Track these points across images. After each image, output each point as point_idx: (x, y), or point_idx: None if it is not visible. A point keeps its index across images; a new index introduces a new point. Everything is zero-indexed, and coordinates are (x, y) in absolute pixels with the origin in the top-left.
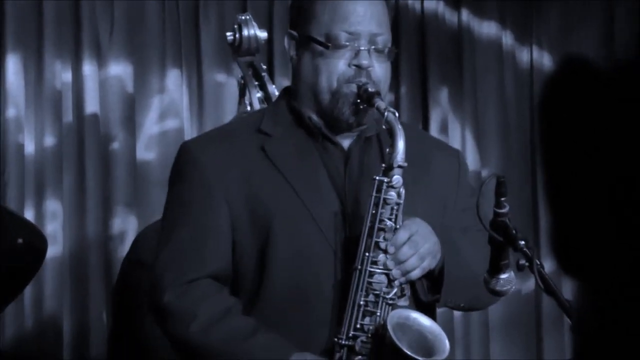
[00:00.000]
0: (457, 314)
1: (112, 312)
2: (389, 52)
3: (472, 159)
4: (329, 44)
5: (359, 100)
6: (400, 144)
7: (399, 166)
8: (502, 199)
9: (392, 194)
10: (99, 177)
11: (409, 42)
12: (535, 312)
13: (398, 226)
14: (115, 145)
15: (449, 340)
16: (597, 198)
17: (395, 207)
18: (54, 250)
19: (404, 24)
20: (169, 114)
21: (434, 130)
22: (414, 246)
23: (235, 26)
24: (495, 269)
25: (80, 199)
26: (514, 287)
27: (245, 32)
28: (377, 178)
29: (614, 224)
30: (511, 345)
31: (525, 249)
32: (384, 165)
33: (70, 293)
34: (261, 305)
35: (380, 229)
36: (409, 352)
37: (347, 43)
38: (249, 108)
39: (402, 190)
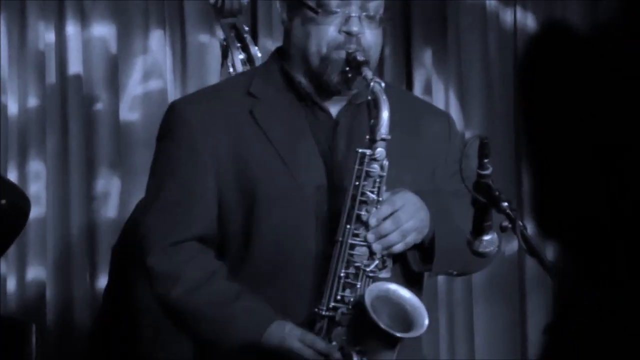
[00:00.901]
0: (440, 276)
1: (110, 270)
2: (381, 18)
3: (456, 120)
4: (320, 10)
5: (347, 68)
6: (385, 116)
7: (382, 139)
8: (485, 160)
9: (375, 166)
10: (82, 138)
11: (394, 3)
12: (518, 273)
13: (381, 199)
14: (99, 106)
15: (432, 302)
16: (578, 161)
17: (377, 180)
18: (37, 211)
19: None
20: (152, 74)
21: (417, 91)
22: (397, 222)
23: None
24: (478, 230)
25: (63, 160)
26: (497, 249)
27: None
28: (360, 151)
29: (595, 186)
30: (494, 306)
31: (508, 211)
32: (367, 137)
33: (54, 254)
34: (245, 270)
35: (362, 202)
36: (386, 328)
37: (338, 9)
38: (231, 70)
39: (386, 163)
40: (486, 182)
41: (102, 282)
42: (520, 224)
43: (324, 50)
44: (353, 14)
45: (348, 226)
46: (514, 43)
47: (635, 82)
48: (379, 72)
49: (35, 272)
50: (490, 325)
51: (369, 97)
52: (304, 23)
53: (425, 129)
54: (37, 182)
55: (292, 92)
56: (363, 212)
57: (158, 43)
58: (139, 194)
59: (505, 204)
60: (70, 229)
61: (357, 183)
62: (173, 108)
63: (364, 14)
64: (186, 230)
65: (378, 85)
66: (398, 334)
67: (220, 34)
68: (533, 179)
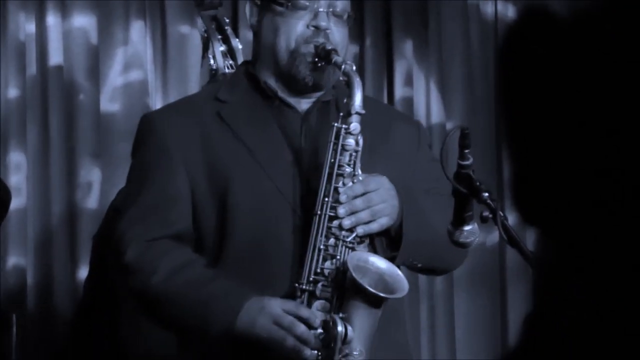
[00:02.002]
0: None
1: (90, 260)
2: (348, 18)
3: (436, 111)
4: (289, 4)
5: (316, 59)
6: (358, 93)
7: (357, 113)
8: (466, 150)
9: (350, 140)
10: (63, 128)
11: None
12: (499, 264)
13: (357, 172)
14: (79, 96)
15: (414, 293)
16: (559, 146)
17: (353, 154)
18: (17, 202)
19: None
20: (133, 65)
21: (398, 83)
22: (368, 201)
23: None
24: (458, 220)
25: (44, 151)
26: (477, 239)
27: None
28: (336, 125)
29: (575, 172)
30: (475, 297)
31: (488, 201)
32: (341, 113)
33: (34, 245)
34: (223, 264)
35: (339, 175)
36: (370, 288)
37: (307, 3)
38: (212, 62)
39: (360, 138)
40: (467, 173)
41: (83, 272)
42: (501, 214)
43: (293, 44)
44: (321, 9)
45: (326, 199)
46: (494, 34)
47: (616, 66)
48: (360, 63)
49: (16, 262)
50: (471, 316)
51: (342, 79)
52: (273, 19)
53: (395, 134)
54: (17, 173)
55: (257, 92)
56: (340, 185)
57: (139, 34)
58: (119, 184)
59: (486, 194)
60: (51, 220)
61: (332, 158)
62: (144, 119)
63: (332, 10)
64: (162, 229)
65: (349, 66)
66: (382, 294)
67: (201, 25)
68: (513, 164)
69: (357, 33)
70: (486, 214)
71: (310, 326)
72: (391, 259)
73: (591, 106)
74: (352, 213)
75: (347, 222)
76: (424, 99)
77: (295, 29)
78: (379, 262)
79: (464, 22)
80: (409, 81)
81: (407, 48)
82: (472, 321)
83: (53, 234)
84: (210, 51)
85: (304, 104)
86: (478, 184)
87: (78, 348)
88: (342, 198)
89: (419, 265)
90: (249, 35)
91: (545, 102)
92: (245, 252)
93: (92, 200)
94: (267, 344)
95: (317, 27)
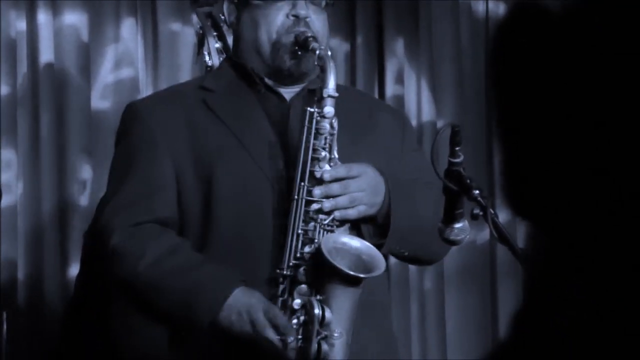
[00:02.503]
0: (412, 265)
1: (81, 257)
2: (327, 5)
3: (427, 109)
4: None
5: (296, 48)
6: (332, 77)
7: (330, 96)
8: (457, 148)
9: (325, 124)
10: (54, 126)
11: None
12: (489, 261)
13: (333, 156)
14: (70, 94)
15: (404, 290)
16: (550, 140)
17: (328, 137)
18: (8, 200)
19: None
20: (124, 63)
21: (389, 81)
22: (345, 187)
23: None
24: (449, 218)
25: (35, 148)
26: (468, 237)
27: None
28: (309, 109)
29: (567, 166)
30: (466, 294)
31: (479, 199)
32: (315, 97)
33: (25, 242)
34: (207, 250)
35: (314, 159)
36: (344, 269)
37: None
38: (207, 58)
39: (335, 121)
40: (457, 170)
41: (74, 269)
42: (492, 211)
43: (274, 35)
44: None
45: (302, 183)
46: (485, 32)
47: (607, 60)
48: (352, 61)
49: (6, 259)
50: (462, 313)
51: (317, 64)
52: (252, 15)
53: (380, 125)
54: (8, 171)
55: (243, 80)
56: (316, 169)
57: (130, 31)
58: None
59: (477, 191)
60: (41, 217)
61: (307, 142)
62: (128, 107)
63: None
64: (147, 214)
65: (324, 51)
66: (359, 275)
67: (196, 22)
68: (504, 157)
69: (348, 31)
70: (477, 211)
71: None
72: (378, 247)
73: (582, 100)
74: (327, 196)
75: (327, 205)
76: (415, 97)
77: (275, 20)
78: (354, 242)
79: (455, 21)
80: (400, 79)
81: (398, 46)
82: (463, 318)
83: (44, 231)
84: (205, 48)
85: (289, 93)
86: (469, 181)
87: (69, 345)
88: (326, 176)
89: (406, 253)
90: None
91: (536, 96)
92: (230, 238)
93: (83, 197)
94: (245, 336)
95: (296, 16)
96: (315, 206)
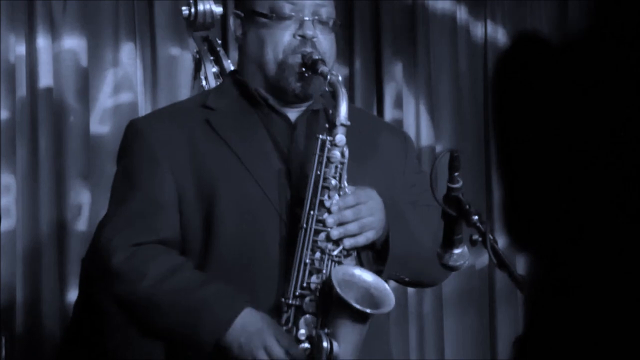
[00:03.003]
0: (411, 289)
1: (80, 282)
2: (334, 24)
3: (426, 134)
4: (273, 15)
5: (303, 69)
6: (344, 104)
7: (342, 124)
8: (456, 173)
9: (336, 152)
10: (53, 150)
11: (364, 16)
12: (488, 287)
13: (342, 185)
14: (69, 118)
15: (402, 314)
16: (548, 173)
17: (339, 166)
18: (7, 224)
19: None
20: (122, 87)
21: (388, 105)
22: (357, 213)
23: (191, 0)
24: (448, 243)
25: (33, 173)
26: (467, 262)
27: (200, 7)
28: (320, 137)
29: (565, 198)
30: (464, 318)
31: (478, 224)
32: (327, 125)
33: (24, 266)
34: (209, 270)
35: (324, 187)
36: (355, 304)
37: (292, 14)
38: (204, 82)
39: (346, 150)
40: (456, 196)
41: (72, 293)
42: (491, 237)
43: (280, 55)
44: (306, 18)
45: (311, 212)
46: (484, 56)
47: (603, 93)
48: (350, 85)
49: (5, 284)
50: (460, 337)
51: (327, 89)
52: (258, 32)
53: (383, 143)
54: (7, 195)
55: (246, 100)
56: (325, 198)
57: (129, 56)
58: None
59: (476, 217)
60: (40, 241)
61: (318, 170)
62: (130, 125)
63: (316, 18)
64: (149, 234)
65: (335, 77)
66: (367, 310)
67: (192, 46)
68: (504, 190)
69: (346, 55)
70: (476, 237)
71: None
72: (378, 273)
73: (580, 130)
74: (341, 224)
75: (335, 233)
76: (414, 121)
77: (281, 40)
78: (365, 276)
79: (453, 45)
80: (398, 103)
81: (396, 70)
82: (461, 343)
83: (42, 255)
84: (202, 72)
85: (293, 113)
86: (467, 206)
87: None
88: (334, 209)
89: (406, 278)
90: None
91: (536, 128)
92: (231, 261)
93: (81, 222)
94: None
95: (303, 37)
96: (324, 235)
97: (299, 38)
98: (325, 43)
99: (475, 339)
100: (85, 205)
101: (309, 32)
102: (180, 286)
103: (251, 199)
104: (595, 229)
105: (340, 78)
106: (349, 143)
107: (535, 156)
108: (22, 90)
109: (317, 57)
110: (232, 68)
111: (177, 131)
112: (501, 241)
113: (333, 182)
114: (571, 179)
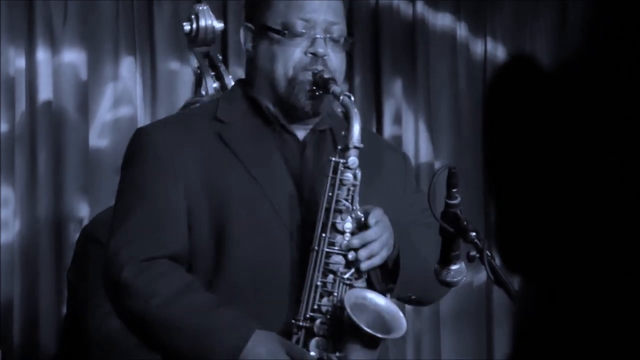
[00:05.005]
0: (408, 306)
1: (67, 297)
2: (345, 42)
3: (425, 150)
4: (286, 32)
5: (314, 87)
6: (356, 126)
7: (355, 147)
8: (454, 190)
9: (348, 175)
10: (52, 163)
11: (363, 33)
12: (486, 303)
13: (355, 207)
14: (69, 132)
15: None
16: (539, 196)
17: (351, 189)
18: (5, 237)
19: (358, 15)
20: (122, 101)
21: (387, 122)
22: (380, 231)
23: (192, 16)
24: (446, 260)
25: (32, 186)
26: (464, 279)
27: (202, 23)
28: (333, 159)
29: (556, 223)
30: (462, 336)
31: (476, 240)
32: (339, 147)
33: (22, 279)
34: (218, 288)
35: (337, 210)
36: (367, 329)
37: (304, 31)
38: (205, 98)
39: (358, 172)
40: (454, 212)
41: None
42: (488, 253)
43: (291, 72)
44: (318, 36)
45: (324, 235)
46: (483, 74)
47: (595, 119)
48: None
49: (3, 296)
50: (458, 354)
51: (340, 110)
52: (270, 47)
53: (385, 163)
54: (5, 208)
55: (258, 117)
56: (338, 221)
57: (128, 70)
58: None
59: (473, 233)
60: (38, 255)
61: (330, 192)
62: (138, 133)
63: (329, 36)
64: (158, 248)
65: (347, 99)
66: (379, 335)
67: (193, 62)
68: (496, 213)
69: (346, 72)
70: (473, 253)
71: None
72: (388, 291)
73: (572, 153)
74: (364, 244)
75: (353, 255)
76: (413, 137)
77: (293, 57)
78: (377, 299)
79: (453, 62)
80: (397, 120)
81: (396, 87)
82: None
83: (41, 269)
84: (203, 87)
85: (300, 131)
86: (465, 223)
87: None
88: (355, 243)
89: (413, 297)
90: (239, 72)
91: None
92: (241, 279)
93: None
94: None
95: (314, 54)
96: (335, 259)
97: (310, 55)
98: (335, 61)
99: (473, 356)
100: (84, 219)
101: (320, 50)
102: (191, 308)
103: (264, 219)
104: (583, 251)
105: (352, 98)
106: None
107: (525, 177)
108: (21, 104)
109: (328, 77)
110: (232, 84)
111: (188, 142)
112: (498, 258)
113: (345, 204)
114: (561, 201)
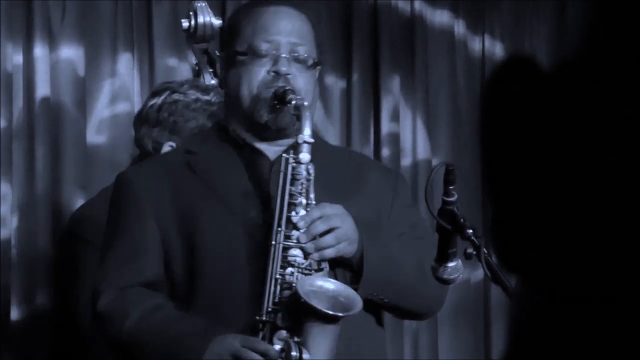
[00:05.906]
0: None
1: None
2: (313, 63)
3: (422, 147)
4: (249, 53)
5: (275, 102)
6: (307, 124)
7: (305, 142)
8: (451, 187)
9: (301, 170)
10: (50, 160)
11: (361, 30)
12: (483, 301)
13: (309, 201)
14: (66, 128)
15: (397, 329)
16: (535, 195)
17: (305, 183)
18: (3, 233)
19: (356, 12)
20: (120, 97)
21: (385, 118)
22: (327, 222)
23: (191, 13)
24: (442, 257)
25: (30, 182)
26: (461, 276)
27: (200, 19)
28: (284, 155)
29: (553, 222)
30: (459, 334)
31: (473, 238)
32: (291, 144)
33: (19, 275)
34: (194, 307)
35: (291, 204)
36: (321, 308)
37: (267, 52)
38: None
39: (311, 167)
40: (451, 209)
41: None
42: (485, 251)
43: (255, 90)
44: (283, 55)
45: (279, 229)
46: (481, 71)
47: (595, 118)
48: (347, 98)
49: (1, 294)
50: (455, 352)
51: (292, 113)
52: (237, 71)
53: (369, 182)
54: (3, 204)
55: (227, 142)
56: (293, 214)
57: (126, 66)
58: None
59: (470, 231)
60: (36, 251)
61: (284, 188)
62: (118, 178)
63: (293, 55)
64: (134, 277)
65: (300, 101)
66: (330, 312)
67: (192, 58)
68: (492, 211)
69: (344, 69)
70: (470, 250)
71: (268, 358)
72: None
73: (570, 153)
74: (314, 237)
75: (310, 246)
76: (411, 134)
77: (257, 76)
78: (330, 285)
79: (451, 59)
80: (395, 117)
81: (394, 84)
82: (456, 357)
83: (38, 265)
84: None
85: (274, 151)
86: (462, 220)
87: None
88: (300, 224)
89: (385, 300)
90: None
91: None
92: (213, 290)
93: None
94: None
95: (277, 72)
96: (292, 252)
97: (272, 74)
98: (300, 80)
99: (470, 354)
100: None
101: (282, 69)
102: (159, 323)
103: (225, 228)
104: (580, 249)
105: (306, 103)
106: (333, 182)
107: (522, 176)
108: (19, 100)
109: (287, 88)
110: None
111: (160, 177)
112: (495, 257)
113: (299, 199)
114: (559, 201)
